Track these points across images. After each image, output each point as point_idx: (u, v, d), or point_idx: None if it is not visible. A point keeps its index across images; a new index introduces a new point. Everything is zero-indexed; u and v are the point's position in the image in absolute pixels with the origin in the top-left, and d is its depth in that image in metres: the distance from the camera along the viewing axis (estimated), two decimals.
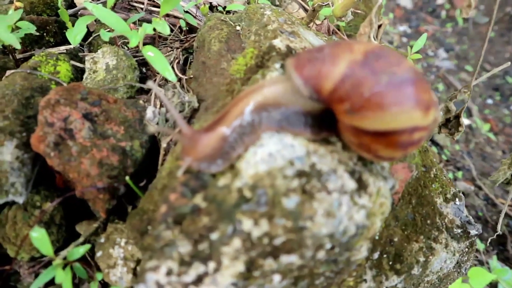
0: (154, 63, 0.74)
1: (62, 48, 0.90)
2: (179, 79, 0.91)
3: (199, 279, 0.47)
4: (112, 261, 0.67)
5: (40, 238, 0.59)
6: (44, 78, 0.77)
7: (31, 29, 0.85)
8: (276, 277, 0.50)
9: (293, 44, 0.71)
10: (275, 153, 0.49)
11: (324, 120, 0.53)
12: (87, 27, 0.98)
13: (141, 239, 0.58)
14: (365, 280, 0.70)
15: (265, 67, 0.67)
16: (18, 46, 0.78)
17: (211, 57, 0.85)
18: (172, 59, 0.96)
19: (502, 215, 0.96)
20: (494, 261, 1.26)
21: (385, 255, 0.72)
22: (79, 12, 0.98)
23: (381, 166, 0.56)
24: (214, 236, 0.47)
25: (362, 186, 0.51)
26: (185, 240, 0.48)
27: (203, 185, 0.51)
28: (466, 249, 0.82)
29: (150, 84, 0.52)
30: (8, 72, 0.76)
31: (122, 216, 0.74)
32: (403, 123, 0.45)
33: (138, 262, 0.68)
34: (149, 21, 1.01)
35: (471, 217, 0.83)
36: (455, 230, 0.79)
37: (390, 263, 0.72)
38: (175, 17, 1.05)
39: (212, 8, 1.15)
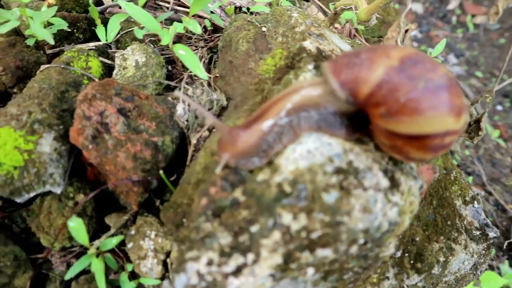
0: (185, 61, 0.76)
1: (91, 45, 0.92)
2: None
3: (238, 270, 0.49)
4: (142, 252, 0.69)
5: (77, 228, 0.61)
6: (77, 73, 0.79)
7: (63, 25, 0.87)
8: (310, 270, 0.52)
9: (322, 46, 0.73)
10: (314, 150, 0.51)
11: (357, 122, 0.55)
12: None
13: (176, 231, 0.60)
14: (388, 278, 0.72)
15: (296, 68, 0.68)
16: (52, 42, 0.81)
17: (239, 57, 0.87)
18: (197, 58, 0.98)
19: None
20: (505, 266, 1.28)
21: (406, 254, 0.73)
22: (107, 10, 1.00)
23: (410, 166, 0.58)
24: (254, 228, 0.49)
25: (394, 184, 0.53)
26: (225, 232, 0.50)
27: (242, 180, 0.53)
28: (484, 251, 0.83)
29: (176, 93, 0.54)
30: (42, 67, 0.79)
31: (150, 209, 0.76)
32: (436, 127, 0.47)
33: (168, 254, 0.70)
34: (175, 20, 1.03)
35: (488, 220, 0.85)
36: (474, 232, 0.81)
37: (412, 262, 0.74)
38: (200, 16, 1.07)
39: (235, 9, 1.17)
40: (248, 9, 1.17)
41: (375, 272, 0.67)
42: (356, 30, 1.19)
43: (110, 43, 1.00)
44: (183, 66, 0.96)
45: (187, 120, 0.79)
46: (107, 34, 0.78)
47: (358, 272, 0.60)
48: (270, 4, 1.15)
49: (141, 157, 0.68)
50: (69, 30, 0.91)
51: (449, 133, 0.48)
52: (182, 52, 0.77)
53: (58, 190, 0.65)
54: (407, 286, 0.75)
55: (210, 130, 0.79)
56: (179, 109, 0.78)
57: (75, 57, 0.83)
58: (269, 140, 0.53)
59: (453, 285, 0.85)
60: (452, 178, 0.84)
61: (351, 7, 1.00)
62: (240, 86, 0.84)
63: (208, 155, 0.63)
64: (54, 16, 0.87)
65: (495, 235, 0.81)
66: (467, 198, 0.84)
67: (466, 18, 3.18)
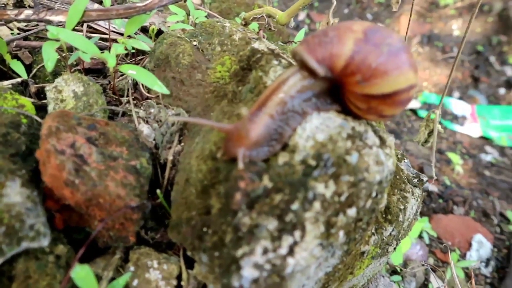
0: (140, 79, 0.73)
1: (7, 83, 0.80)
2: (147, 98, 0.90)
3: (291, 249, 0.51)
4: (152, 285, 0.63)
5: (84, 276, 0.53)
6: (11, 112, 0.68)
7: None
8: (341, 233, 0.57)
9: (269, 46, 0.80)
10: (320, 125, 0.57)
11: (334, 95, 0.63)
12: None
13: (200, 242, 0.57)
14: (373, 234, 0.82)
15: (258, 67, 0.73)
16: None
17: (182, 71, 0.87)
18: (129, 81, 0.94)
19: None
20: None
21: None
22: (14, 43, 0.87)
23: (382, 125, 0.69)
24: (295, 206, 0.52)
25: (383, 141, 0.62)
26: (269, 217, 0.51)
27: (263, 168, 0.55)
28: (422, 194, 1.02)
29: (173, 118, 0.54)
30: None
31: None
32: (403, 84, 0.58)
33: (178, 277, 0.65)
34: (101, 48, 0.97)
35: (416, 170, 1.04)
36: (413, 180, 0.98)
37: (384, 215, 0.85)
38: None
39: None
40: (159, 29, 1.17)
41: (371, 228, 0.76)
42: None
43: (27, 79, 0.88)
44: (118, 90, 0.91)
45: (154, 139, 0.75)
46: (46, 64, 0.68)
47: (364, 228, 0.67)
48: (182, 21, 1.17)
49: (127, 183, 0.63)
50: None
51: (412, 86, 0.59)
52: (132, 71, 0.74)
53: (45, 242, 0.55)
54: (385, 237, 0.86)
55: (181, 142, 0.77)
56: (145, 129, 0.75)
57: None
58: (277, 129, 0.56)
59: (407, 229, 1.01)
60: None
61: (262, 15, 1.11)
62: (193, 98, 0.85)
63: (205, 161, 0.62)
64: None
65: (426, 178, 1.00)
66: (399, 156, 1.02)
67: (315, 25, 3.71)
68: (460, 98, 3.40)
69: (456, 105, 3.27)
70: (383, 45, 0.55)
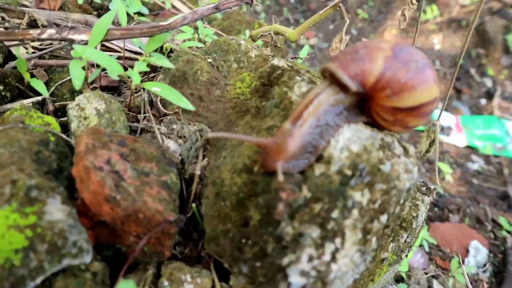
0: (165, 95, 0.75)
1: (27, 102, 0.80)
2: (165, 114, 0.91)
3: (333, 256, 0.53)
4: None
5: None
6: (40, 131, 0.68)
7: None
8: (374, 239, 0.60)
9: (287, 63, 0.83)
10: (352, 137, 0.60)
11: (360, 108, 0.66)
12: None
13: (240, 253, 0.58)
14: (392, 241, 0.84)
15: (281, 83, 0.76)
16: None
17: (200, 88, 0.89)
18: (145, 98, 0.95)
19: None
20: None
21: None
22: (31, 62, 0.88)
23: (401, 136, 0.73)
24: (335, 214, 0.54)
25: (406, 150, 0.66)
26: (312, 226, 0.53)
27: (300, 179, 0.57)
28: (429, 202, 1.05)
29: (213, 134, 0.55)
30: None
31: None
32: (428, 96, 0.62)
33: None
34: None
35: (422, 179, 1.08)
36: (422, 188, 1.02)
37: (399, 223, 0.88)
38: (131, 59, 1.04)
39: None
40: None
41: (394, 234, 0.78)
42: None
43: (38, 101, 0.88)
44: (133, 108, 0.92)
45: (180, 155, 0.77)
46: (74, 81, 0.69)
47: (388, 235, 0.70)
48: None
49: (162, 198, 0.64)
50: None
51: (436, 99, 0.63)
52: (157, 88, 0.76)
53: (88, 259, 0.55)
54: (401, 244, 0.89)
55: (205, 157, 0.78)
56: (171, 145, 0.76)
57: (25, 115, 0.71)
58: (312, 142, 0.59)
59: (417, 236, 1.04)
60: None
61: (269, 33, 1.15)
62: (213, 114, 0.87)
63: (239, 174, 0.64)
64: None
65: (434, 186, 1.04)
66: None
67: (307, 41, 3.81)
68: (445, 110, 3.53)
69: (442, 116, 3.38)
70: (411, 62, 0.59)
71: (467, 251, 1.75)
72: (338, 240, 0.54)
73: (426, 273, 1.43)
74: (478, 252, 1.75)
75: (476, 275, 1.67)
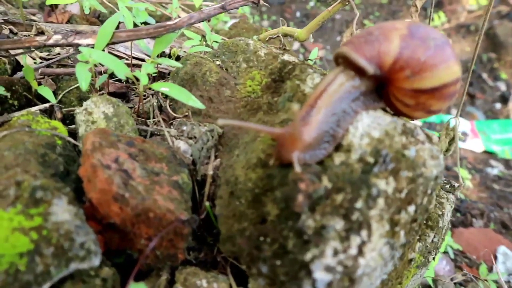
0: (175, 95, 0.73)
1: (35, 109, 0.78)
2: (174, 118, 0.89)
3: (360, 249, 0.49)
4: None
5: None
6: (47, 134, 0.66)
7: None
8: (402, 233, 0.55)
9: (298, 58, 0.81)
10: (372, 123, 0.56)
11: (378, 94, 0.62)
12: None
13: (259, 252, 0.54)
14: (418, 240, 0.79)
15: (293, 77, 0.73)
16: None
17: (209, 89, 0.87)
18: (154, 103, 0.94)
19: None
20: None
21: None
22: (39, 71, 0.87)
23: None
24: (359, 204, 0.50)
25: (429, 138, 0.62)
26: (335, 217, 0.49)
27: (319, 170, 0.54)
28: (454, 200, 1.00)
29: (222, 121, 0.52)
30: (1, 133, 0.63)
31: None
32: (451, 76, 0.58)
33: None
34: None
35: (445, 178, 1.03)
36: (446, 186, 0.96)
37: (425, 222, 0.83)
38: (139, 66, 1.03)
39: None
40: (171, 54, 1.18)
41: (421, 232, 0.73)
42: None
43: (45, 109, 0.87)
44: (143, 113, 0.90)
45: (191, 155, 0.74)
46: (81, 83, 0.68)
47: (416, 231, 0.65)
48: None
49: (173, 198, 0.60)
50: (5, 95, 0.76)
51: (459, 79, 0.59)
52: (165, 89, 0.74)
53: (96, 261, 0.52)
54: (428, 244, 0.83)
55: (217, 157, 0.75)
56: (182, 145, 0.73)
57: (32, 120, 0.69)
58: (329, 131, 0.55)
59: (443, 237, 0.98)
60: None
61: (278, 35, 1.13)
62: (224, 114, 0.84)
63: (253, 170, 0.61)
64: None
65: (457, 184, 0.99)
66: None
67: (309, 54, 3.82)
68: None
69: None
70: (429, 39, 0.55)
71: (495, 257, 1.66)
72: (364, 232, 0.49)
73: (452, 279, 1.35)
74: (507, 258, 1.66)
75: (507, 283, 1.58)
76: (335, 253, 0.47)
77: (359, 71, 0.57)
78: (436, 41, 0.57)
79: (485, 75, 3.66)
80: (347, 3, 0.89)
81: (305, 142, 0.54)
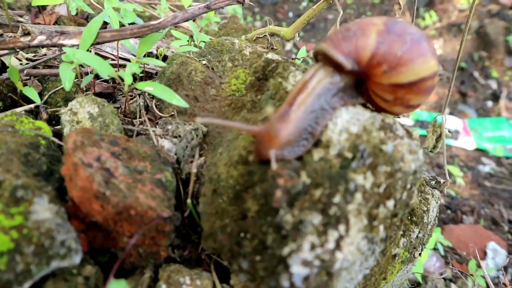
0: (159, 94, 0.73)
1: (20, 110, 0.79)
2: (160, 117, 0.89)
3: (338, 244, 0.49)
4: None
5: None
6: (30, 134, 0.67)
7: None
8: (381, 227, 0.56)
9: (282, 57, 0.81)
10: (351, 119, 0.57)
11: (357, 89, 0.63)
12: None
13: (239, 248, 0.55)
14: (402, 236, 0.80)
15: (276, 74, 0.74)
16: None
17: (195, 88, 0.87)
18: (140, 103, 0.94)
19: None
20: None
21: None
22: (24, 72, 0.87)
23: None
24: (337, 199, 0.50)
25: (409, 133, 0.62)
26: (312, 212, 0.50)
27: (298, 166, 0.54)
28: (440, 196, 1.01)
29: (214, 120, 0.53)
30: None
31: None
32: (428, 70, 0.58)
33: None
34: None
35: (431, 174, 1.04)
36: (431, 182, 0.97)
37: (409, 217, 0.84)
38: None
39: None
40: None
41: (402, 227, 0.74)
42: None
43: (39, 105, 0.87)
44: (129, 113, 0.91)
45: (175, 154, 0.74)
46: (65, 83, 0.68)
47: (398, 226, 0.66)
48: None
49: (156, 196, 0.61)
50: None
51: (436, 73, 0.60)
52: (149, 88, 0.74)
53: (77, 259, 0.52)
54: (413, 239, 0.84)
55: (201, 156, 0.76)
56: (166, 144, 0.73)
57: (15, 120, 0.69)
58: (308, 128, 0.56)
59: (429, 233, 0.99)
60: None
61: (265, 35, 1.14)
62: (209, 113, 0.85)
63: (235, 167, 0.61)
64: None
65: (444, 180, 1.00)
66: None
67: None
68: (451, 113, 3.48)
69: (448, 121, 3.34)
70: (406, 34, 0.56)
71: (485, 253, 1.67)
72: (342, 227, 0.50)
73: (441, 274, 1.36)
74: (497, 254, 1.67)
75: (496, 278, 1.59)
76: (312, 247, 0.48)
77: (338, 67, 0.58)
78: (412, 36, 0.58)
79: (476, 74, 3.70)
80: (331, 1, 0.90)
81: (282, 140, 0.54)
